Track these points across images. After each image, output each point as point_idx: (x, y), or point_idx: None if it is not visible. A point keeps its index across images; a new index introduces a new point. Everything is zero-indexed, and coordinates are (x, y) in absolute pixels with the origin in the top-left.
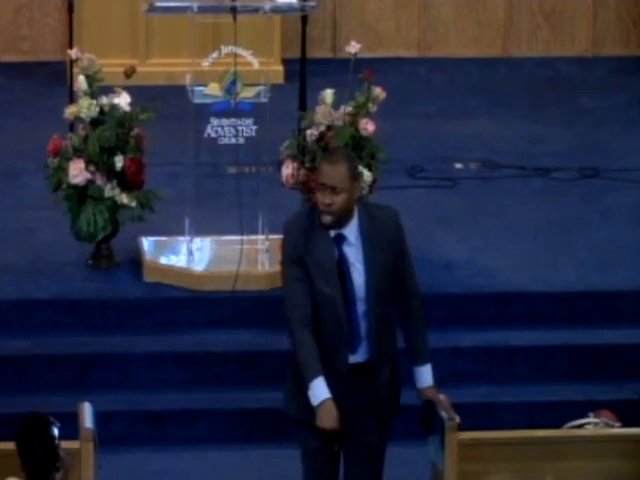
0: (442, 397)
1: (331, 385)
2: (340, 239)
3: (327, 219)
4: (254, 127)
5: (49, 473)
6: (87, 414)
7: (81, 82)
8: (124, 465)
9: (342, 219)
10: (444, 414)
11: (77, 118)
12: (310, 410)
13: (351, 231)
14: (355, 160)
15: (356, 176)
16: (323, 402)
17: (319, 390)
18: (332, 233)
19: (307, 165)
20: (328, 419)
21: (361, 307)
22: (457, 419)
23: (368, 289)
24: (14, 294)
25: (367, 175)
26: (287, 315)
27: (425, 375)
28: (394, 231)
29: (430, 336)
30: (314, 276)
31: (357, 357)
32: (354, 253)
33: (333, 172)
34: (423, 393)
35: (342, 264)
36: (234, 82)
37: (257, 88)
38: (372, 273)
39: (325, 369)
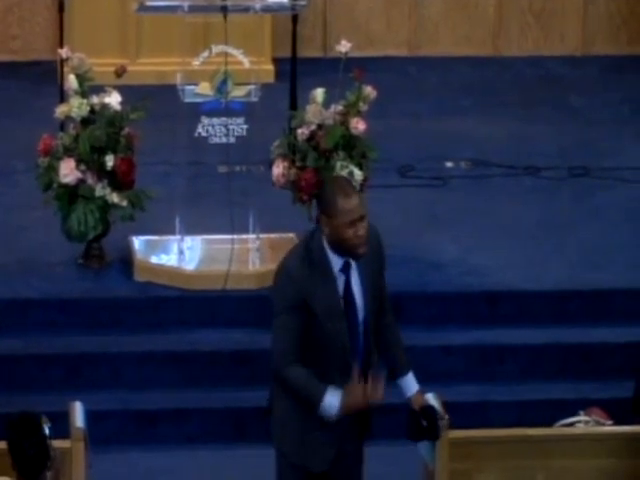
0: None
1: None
2: (348, 267)
3: (364, 249)
4: (245, 126)
5: (40, 472)
6: (78, 413)
7: (72, 81)
8: (115, 464)
9: None
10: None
11: (68, 117)
12: (310, 456)
13: None
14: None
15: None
16: (343, 399)
17: (333, 399)
18: (338, 264)
19: (298, 164)
20: (358, 402)
21: (361, 329)
22: (446, 417)
23: (366, 310)
24: (5, 294)
25: (358, 174)
26: (273, 360)
27: (412, 383)
28: (379, 248)
29: (420, 335)
30: (319, 315)
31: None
32: (354, 275)
33: (357, 203)
34: (415, 400)
35: (349, 292)
36: (225, 81)
37: (248, 87)
38: (370, 294)
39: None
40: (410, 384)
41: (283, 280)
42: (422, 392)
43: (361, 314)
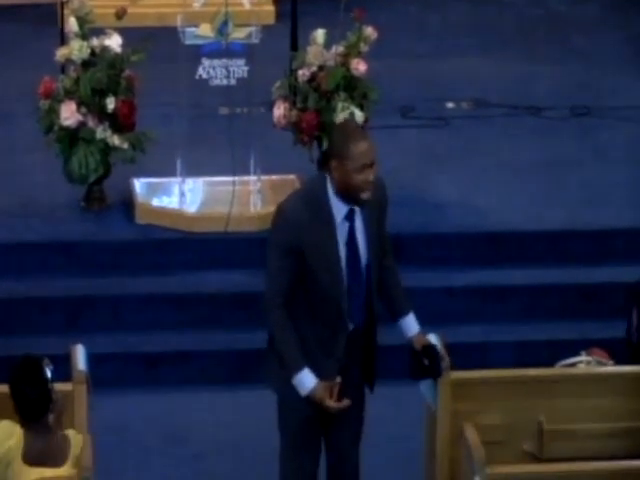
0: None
1: (326, 357)
2: (352, 214)
3: (368, 196)
4: (245, 68)
5: (42, 415)
6: (80, 356)
7: (72, 24)
8: (117, 407)
9: None
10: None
11: (68, 60)
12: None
13: None
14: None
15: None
16: (313, 390)
17: (306, 380)
18: (343, 212)
19: (299, 106)
20: (325, 400)
21: (363, 277)
22: (447, 358)
23: (369, 257)
24: (6, 237)
25: (359, 115)
26: (264, 297)
27: (412, 323)
28: (383, 196)
29: (422, 276)
30: (315, 263)
31: (355, 324)
32: (359, 223)
33: (369, 147)
34: (417, 340)
35: (353, 239)
36: (225, 23)
37: (248, 29)
38: (373, 241)
39: (322, 346)
40: (411, 324)
41: (280, 223)
42: (423, 332)
43: (364, 260)
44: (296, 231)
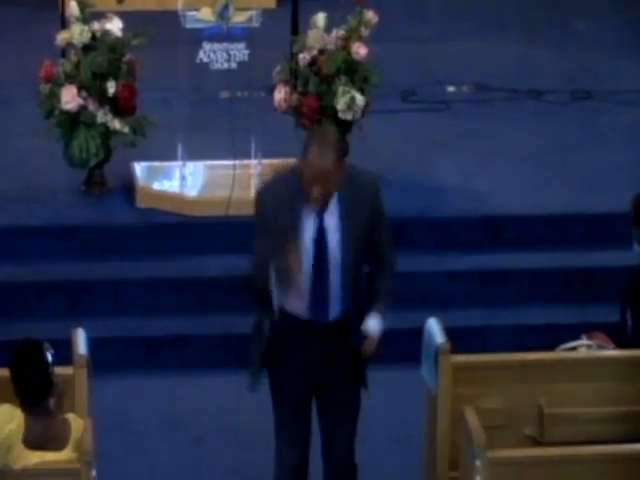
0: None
1: (298, 338)
2: (322, 208)
3: (321, 203)
4: (246, 52)
5: (43, 399)
6: (81, 340)
7: (73, 8)
8: (117, 391)
9: None
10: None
11: (69, 44)
12: (280, 350)
13: (332, 199)
14: (339, 139)
15: (341, 154)
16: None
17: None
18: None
19: (299, 89)
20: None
21: (334, 274)
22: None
23: (343, 256)
24: (7, 220)
25: (360, 99)
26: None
27: (372, 321)
28: (373, 198)
29: (423, 260)
30: (283, 250)
31: (327, 318)
32: (332, 220)
33: (322, 171)
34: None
35: (322, 233)
36: (226, 7)
37: (249, 12)
38: (348, 241)
39: (293, 328)
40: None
41: (255, 202)
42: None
43: (335, 259)
44: (267, 208)
